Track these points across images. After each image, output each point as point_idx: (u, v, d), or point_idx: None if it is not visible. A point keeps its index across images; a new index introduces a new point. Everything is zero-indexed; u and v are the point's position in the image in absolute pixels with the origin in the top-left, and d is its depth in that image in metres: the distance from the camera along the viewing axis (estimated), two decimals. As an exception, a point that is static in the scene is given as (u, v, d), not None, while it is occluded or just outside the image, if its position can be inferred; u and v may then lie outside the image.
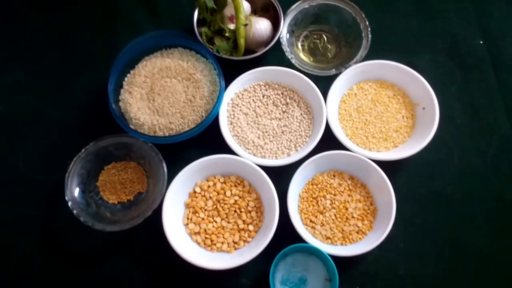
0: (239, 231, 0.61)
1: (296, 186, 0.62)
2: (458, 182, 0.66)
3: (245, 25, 0.68)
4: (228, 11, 0.70)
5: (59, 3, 0.78)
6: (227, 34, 0.68)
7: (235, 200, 0.62)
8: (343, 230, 0.61)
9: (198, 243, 0.61)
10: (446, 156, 0.68)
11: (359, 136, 0.67)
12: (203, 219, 0.62)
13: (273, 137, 0.66)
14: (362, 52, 0.68)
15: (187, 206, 0.63)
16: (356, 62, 0.68)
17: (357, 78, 0.69)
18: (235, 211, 0.62)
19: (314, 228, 0.61)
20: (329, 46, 0.74)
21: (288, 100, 0.68)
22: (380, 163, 0.62)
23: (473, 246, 0.63)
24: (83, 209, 0.61)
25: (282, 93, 0.69)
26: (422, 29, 0.76)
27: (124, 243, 0.63)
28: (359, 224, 0.61)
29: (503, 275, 0.62)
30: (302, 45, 0.74)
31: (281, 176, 0.62)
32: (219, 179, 0.64)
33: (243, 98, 0.68)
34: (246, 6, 0.70)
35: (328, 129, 0.64)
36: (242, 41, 0.68)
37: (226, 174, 0.64)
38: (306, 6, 0.72)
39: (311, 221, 0.62)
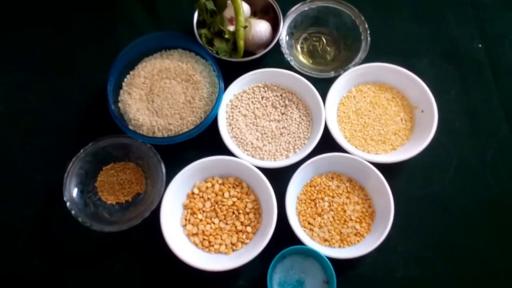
0: (237, 233, 0.61)
1: (294, 188, 0.62)
2: (456, 185, 0.66)
3: (245, 27, 0.68)
4: (228, 13, 0.70)
5: (59, 4, 0.78)
6: (226, 36, 0.69)
7: (233, 202, 0.62)
8: (341, 232, 0.61)
9: (196, 245, 0.61)
10: (445, 159, 0.68)
11: (358, 138, 0.67)
12: (201, 220, 0.62)
13: (271, 138, 0.66)
14: (361, 55, 0.68)
15: (185, 207, 0.63)
16: (355, 65, 0.68)
17: (356, 80, 0.70)
18: (233, 213, 0.62)
19: (312, 230, 0.61)
20: (328, 48, 0.74)
21: (287, 102, 0.69)
22: (379, 166, 0.62)
23: (471, 249, 0.63)
24: (81, 210, 0.61)
25: (281, 95, 0.69)
26: (421, 32, 0.76)
27: (122, 244, 0.63)
28: (357, 226, 0.61)
29: (502, 278, 0.62)
30: (301, 47, 0.75)
31: (279, 178, 0.62)
32: (217, 181, 0.64)
33: (242, 100, 0.69)
34: (245, 8, 0.70)
35: (326, 131, 0.64)
36: (241, 43, 0.68)
37: (224, 176, 0.64)
38: (306, 9, 0.72)
39: (309, 223, 0.62)
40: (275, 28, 0.71)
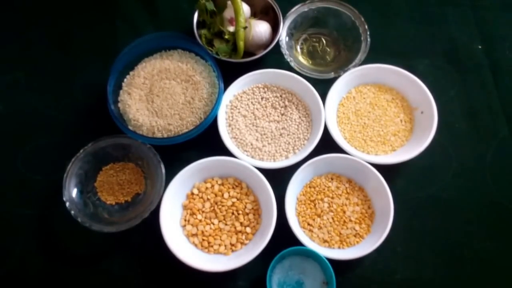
0: (236, 233, 0.61)
1: (294, 188, 0.62)
2: (456, 186, 0.66)
3: (245, 27, 0.68)
4: (228, 13, 0.70)
5: (59, 4, 0.78)
6: (226, 37, 0.69)
7: (233, 202, 0.62)
8: (340, 233, 0.61)
9: (195, 245, 0.61)
10: (444, 160, 0.68)
11: (358, 139, 0.67)
12: (200, 221, 0.62)
13: (271, 139, 0.66)
14: (361, 56, 0.68)
15: (184, 207, 0.63)
16: (355, 66, 0.68)
17: (356, 81, 0.70)
18: (233, 213, 0.62)
19: (312, 231, 0.61)
20: (328, 49, 0.74)
21: (286, 103, 0.69)
22: (378, 167, 0.62)
23: (470, 250, 0.63)
24: (81, 210, 0.61)
25: (280, 96, 0.69)
26: (421, 33, 0.76)
27: (121, 244, 0.63)
28: (357, 227, 0.61)
29: (501, 280, 0.62)
30: (301, 48, 0.75)
31: (279, 178, 0.62)
32: (217, 181, 0.64)
33: (242, 100, 0.69)
34: (245, 9, 0.70)
35: (326, 132, 0.64)
36: (241, 44, 0.68)
37: (224, 176, 0.64)
38: (306, 10, 0.72)
39: (308, 224, 0.62)
40: (275, 29, 0.71)
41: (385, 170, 0.61)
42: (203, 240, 0.61)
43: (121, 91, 0.69)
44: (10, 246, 0.63)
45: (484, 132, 0.70)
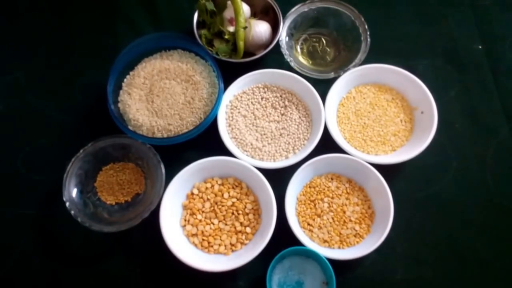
0: (236, 233, 0.61)
1: (294, 188, 0.62)
2: (456, 186, 0.66)
3: (245, 27, 0.68)
4: (228, 13, 0.70)
5: (59, 4, 0.78)
6: (226, 37, 0.69)
7: (233, 202, 0.62)
8: (340, 233, 0.61)
9: (195, 245, 0.61)
10: (444, 160, 0.68)
11: (357, 139, 0.67)
12: (200, 221, 0.62)
13: (271, 139, 0.66)
14: (361, 56, 0.68)
15: (184, 207, 0.63)
16: (355, 66, 0.68)
17: (356, 81, 0.70)
18: (233, 213, 0.62)
19: (312, 231, 0.61)
20: (328, 49, 0.74)
21: (286, 103, 0.69)
22: (378, 167, 0.62)
23: (470, 250, 0.63)
24: (81, 210, 0.61)
25: (280, 96, 0.69)
26: (421, 34, 0.76)
27: (121, 244, 0.63)
28: (357, 227, 0.61)
29: (501, 279, 0.62)
30: (301, 48, 0.75)
31: (279, 178, 0.62)
32: (217, 181, 0.64)
33: (242, 101, 0.69)
34: (245, 9, 0.70)
35: (326, 132, 0.64)
36: (241, 44, 0.68)
37: (224, 176, 0.64)
38: (306, 10, 0.72)
39: (308, 224, 0.62)
40: (275, 29, 0.71)
41: (385, 170, 0.61)
42: (203, 240, 0.61)
43: (121, 91, 0.69)
44: (10, 246, 0.63)
45: (484, 132, 0.70)
